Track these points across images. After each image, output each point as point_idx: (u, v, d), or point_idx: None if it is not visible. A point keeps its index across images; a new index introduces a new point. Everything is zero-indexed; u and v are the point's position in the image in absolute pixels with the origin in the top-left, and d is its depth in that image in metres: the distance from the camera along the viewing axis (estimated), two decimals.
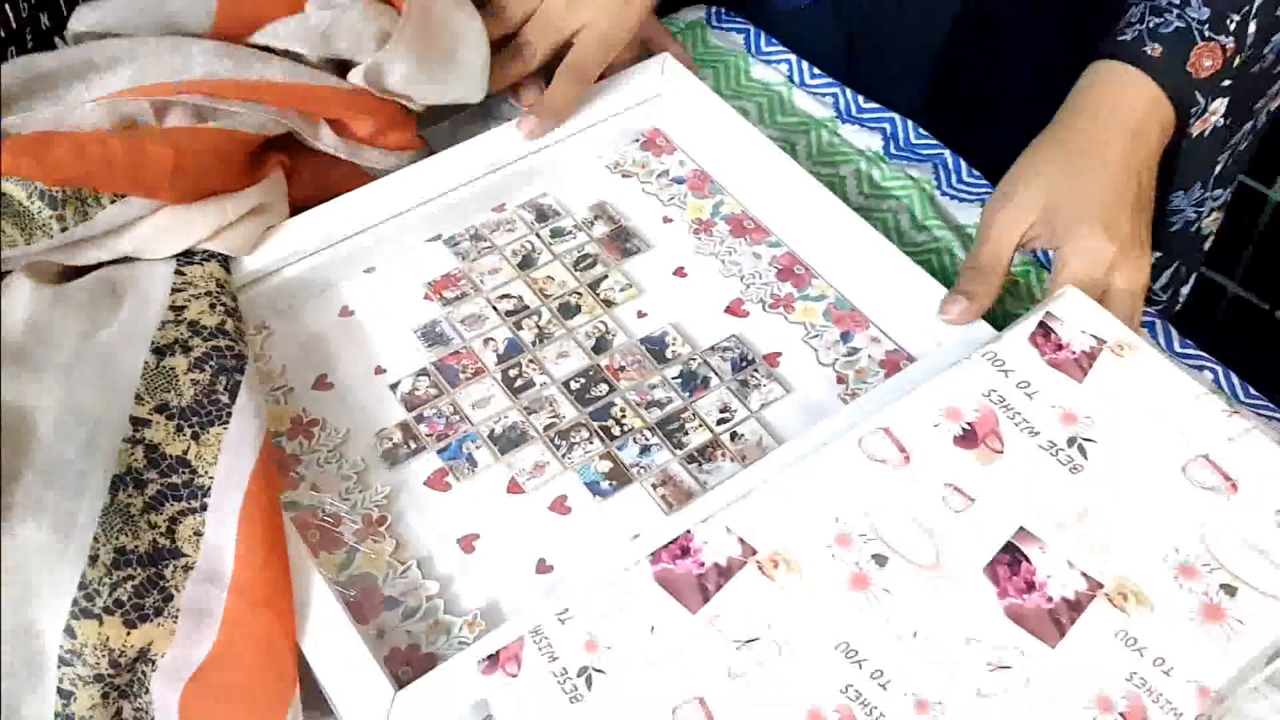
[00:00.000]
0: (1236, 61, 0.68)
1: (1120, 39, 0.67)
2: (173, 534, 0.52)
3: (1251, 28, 0.67)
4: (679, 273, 0.68)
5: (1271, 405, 0.67)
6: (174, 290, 0.61)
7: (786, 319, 0.66)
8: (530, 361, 0.64)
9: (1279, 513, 0.51)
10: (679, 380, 0.63)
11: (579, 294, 0.67)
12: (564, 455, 0.60)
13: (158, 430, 0.55)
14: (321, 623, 0.51)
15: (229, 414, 0.56)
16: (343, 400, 0.63)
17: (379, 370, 0.64)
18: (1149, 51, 0.66)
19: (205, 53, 0.65)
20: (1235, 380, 0.67)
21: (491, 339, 0.65)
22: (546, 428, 0.61)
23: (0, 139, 0.59)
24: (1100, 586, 0.49)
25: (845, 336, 0.65)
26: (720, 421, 0.61)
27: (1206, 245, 0.81)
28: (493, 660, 0.47)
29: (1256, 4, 0.67)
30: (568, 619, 0.48)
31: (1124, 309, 0.62)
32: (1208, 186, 0.74)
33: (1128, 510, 0.51)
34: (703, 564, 0.49)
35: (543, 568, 0.56)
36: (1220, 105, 0.69)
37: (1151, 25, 0.67)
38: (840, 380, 0.63)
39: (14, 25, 0.68)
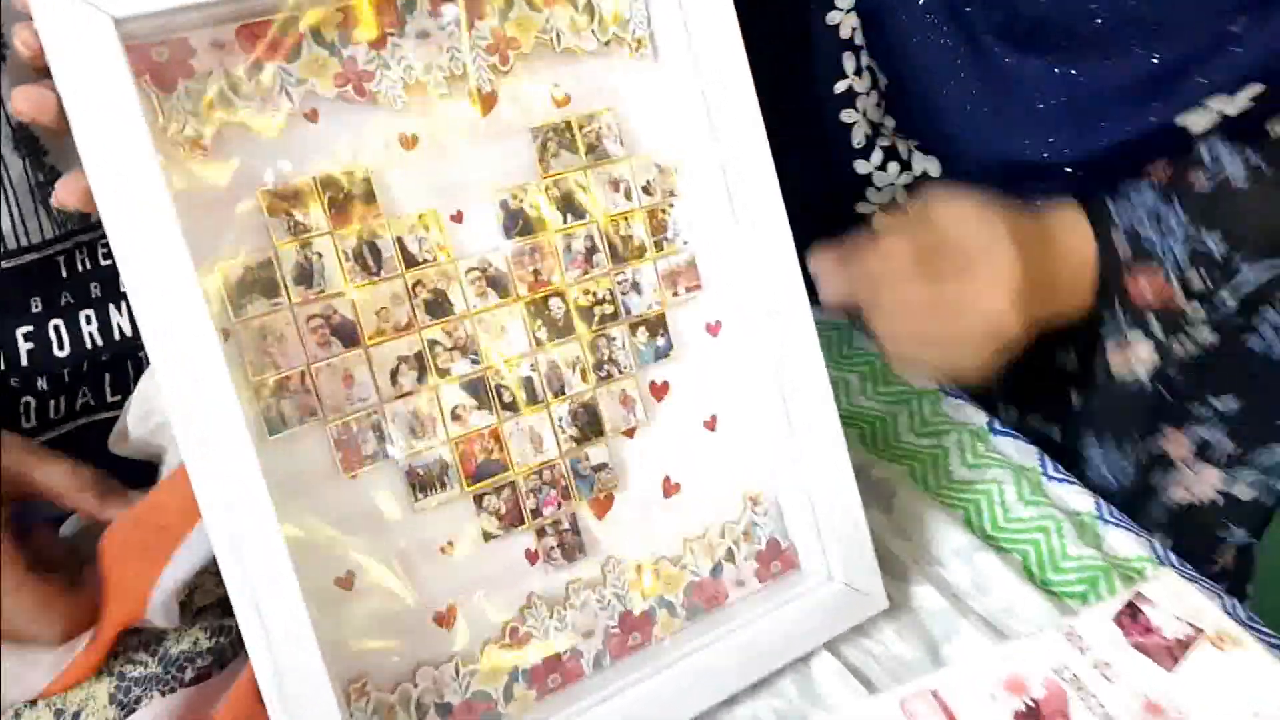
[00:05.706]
0: (1185, 313, 0.62)
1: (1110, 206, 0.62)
2: None
3: (1226, 298, 0.61)
4: None
5: None
6: None
7: None
8: None
9: None
10: None
11: None
12: None
13: None
14: None
15: None
16: None
17: None
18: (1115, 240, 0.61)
19: None
20: None
21: None
22: None
23: None
24: None
25: None
26: None
27: None
28: None
29: (1239, 281, 0.60)
30: None
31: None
32: (1125, 452, 0.69)
33: None
34: None
35: None
36: (1145, 352, 0.63)
37: (1137, 222, 0.61)
38: None
39: None
